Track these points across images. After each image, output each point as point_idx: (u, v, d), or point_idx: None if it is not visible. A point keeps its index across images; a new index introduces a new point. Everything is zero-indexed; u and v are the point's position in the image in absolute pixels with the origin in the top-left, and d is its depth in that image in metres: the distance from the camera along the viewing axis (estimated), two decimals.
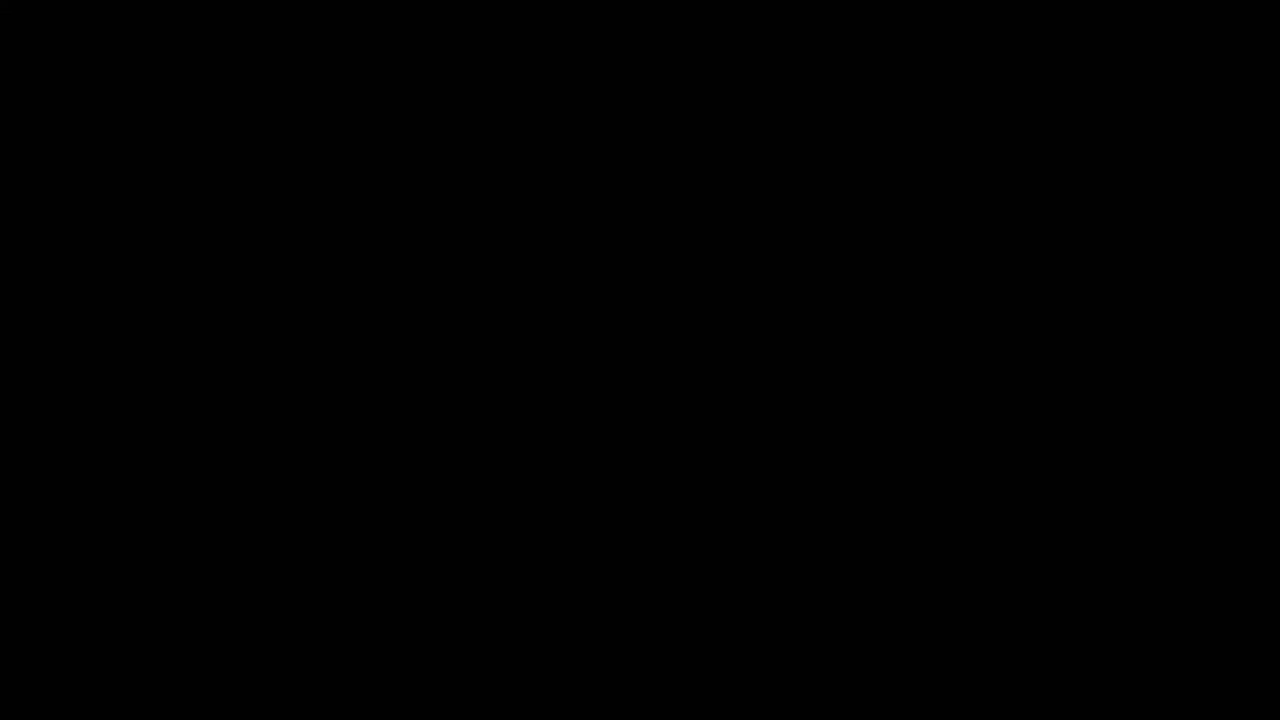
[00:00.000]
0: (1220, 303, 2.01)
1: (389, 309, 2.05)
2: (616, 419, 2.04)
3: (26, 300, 2.06)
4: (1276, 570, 1.97)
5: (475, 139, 2.07)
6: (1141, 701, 1.97)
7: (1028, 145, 2.03)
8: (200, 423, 2.05)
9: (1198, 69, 2.03)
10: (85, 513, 2.04)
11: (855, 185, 2.04)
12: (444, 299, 2.05)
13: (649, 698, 2.00)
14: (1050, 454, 2.01)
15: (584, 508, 2.03)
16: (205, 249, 2.06)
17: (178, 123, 2.07)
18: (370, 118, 2.07)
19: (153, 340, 2.05)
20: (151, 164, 2.07)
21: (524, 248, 2.06)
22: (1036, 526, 2.00)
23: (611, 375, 2.04)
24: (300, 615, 2.02)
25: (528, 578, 2.02)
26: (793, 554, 2.01)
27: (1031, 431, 2.01)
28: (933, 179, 2.04)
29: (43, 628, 2.02)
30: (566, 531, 2.03)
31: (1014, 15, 2.04)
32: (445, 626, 2.02)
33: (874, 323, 2.03)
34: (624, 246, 2.05)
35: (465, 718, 2.01)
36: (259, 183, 2.07)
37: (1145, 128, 2.03)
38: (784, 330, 2.03)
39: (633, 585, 2.02)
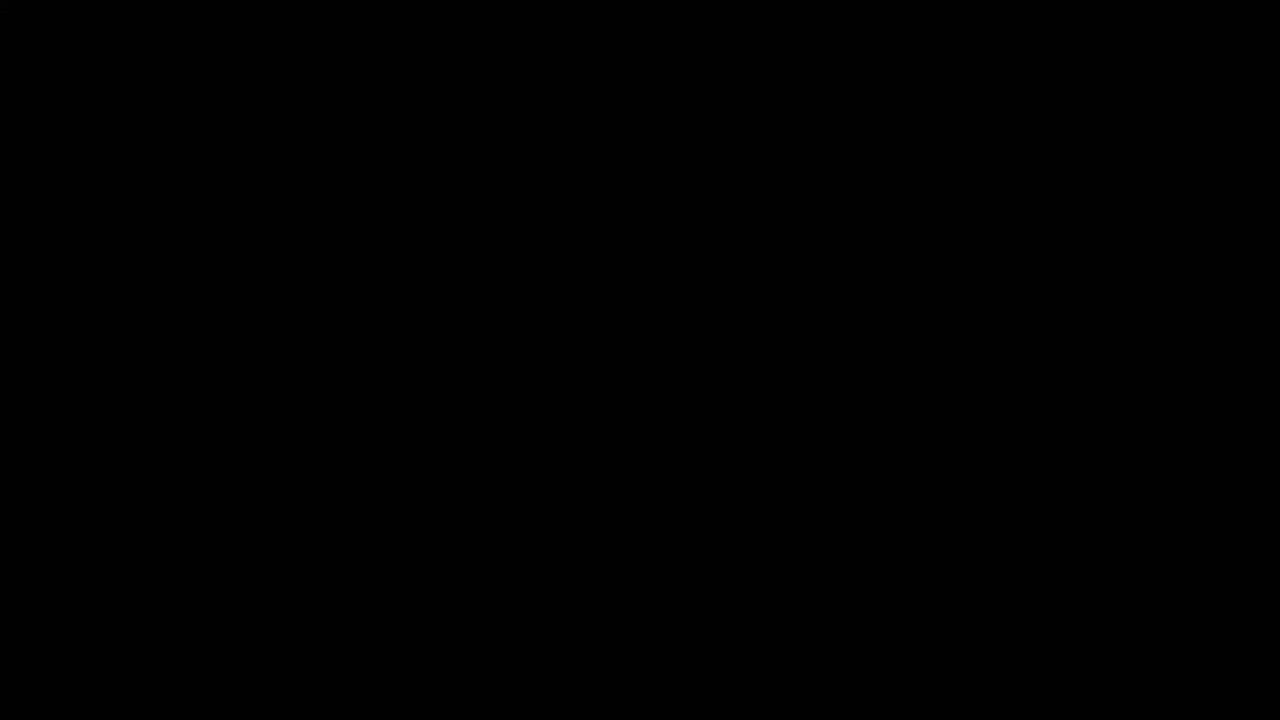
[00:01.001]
0: (1220, 303, 2.01)
1: (388, 308, 2.06)
2: (616, 419, 2.04)
3: (26, 300, 2.06)
4: (1277, 570, 1.98)
5: (475, 139, 2.07)
6: (1141, 702, 1.97)
7: (1027, 145, 2.04)
8: (200, 422, 2.05)
9: (1198, 69, 2.03)
10: (85, 513, 2.04)
11: (854, 185, 2.05)
12: (443, 299, 2.05)
13: (649, 698, 2.00)
14: (1050, 454, 2.01)
15: (584, 507, 2.03)
16: (205, 249, 2.07)
17: (178, 123, 2.08)
18: (370, 118, 2.07)
19: (153, 340, 2.06)
20: (152, 164, 2.07)
21: (523, 248, 2.06)
22: (1036, 526, 2.00)
23: (611, 375, 2.04)
24: (300, 615, 2.03)
25: (528, 578, 2.03)
26: (792, 554, 2.02)
27: (1031, 431, 2.01)
28: (932, 179, 2.04)
29: (43, 628, 2.02)
30: (566, 531, 2.03)
31: (1014, 15, 2.04)
32: (445, 626, 2.02)
33: (873, 322, 2.03)
34: (623, 246, 2.05)
35: (465, 718, 2.01)
36: (258, 183, 2.07)
37: (1145, 128, 2.03)
38: (784, 330, 2.04)
39: (633, 585, 2.02)
